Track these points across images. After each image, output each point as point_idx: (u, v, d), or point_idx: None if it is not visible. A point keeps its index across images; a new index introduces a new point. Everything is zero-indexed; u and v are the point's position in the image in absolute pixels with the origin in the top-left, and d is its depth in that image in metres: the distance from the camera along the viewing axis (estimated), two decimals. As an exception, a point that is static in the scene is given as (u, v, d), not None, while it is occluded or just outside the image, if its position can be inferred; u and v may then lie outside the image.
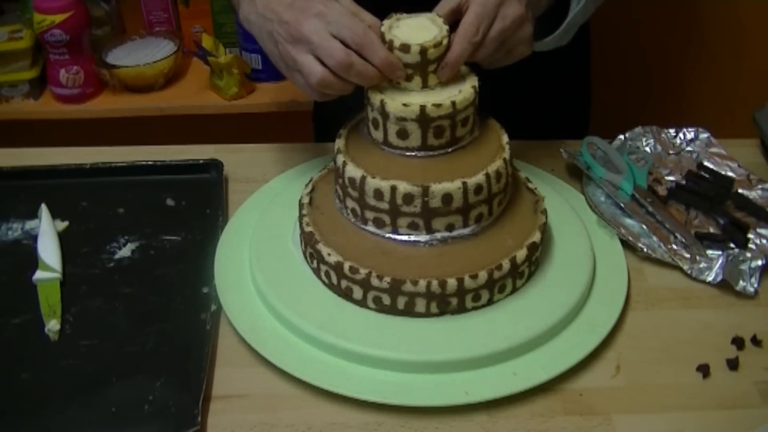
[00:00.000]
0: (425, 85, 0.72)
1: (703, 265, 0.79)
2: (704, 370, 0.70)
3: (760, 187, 0.89)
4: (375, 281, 0.70)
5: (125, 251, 0.82)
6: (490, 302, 0.73)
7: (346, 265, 0.71)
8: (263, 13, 0.74)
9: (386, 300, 0.71)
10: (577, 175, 0.91)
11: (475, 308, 0.72)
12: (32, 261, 0.80)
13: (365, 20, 0.71)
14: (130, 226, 0.85)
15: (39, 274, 0.78)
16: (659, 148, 0.95)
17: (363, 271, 0.70)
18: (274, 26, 0.73)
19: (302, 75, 0.72)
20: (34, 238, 0.83)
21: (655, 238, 0.82)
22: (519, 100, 0.93)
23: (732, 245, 0.82)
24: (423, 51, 0.70)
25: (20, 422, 0.66)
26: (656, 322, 0.75)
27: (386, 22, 0.72)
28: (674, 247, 0.81)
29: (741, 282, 0.77)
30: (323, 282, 0.75)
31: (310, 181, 0.81)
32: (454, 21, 0.72)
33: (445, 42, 0.71)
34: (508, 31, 0.72)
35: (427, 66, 0.71)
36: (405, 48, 0.70)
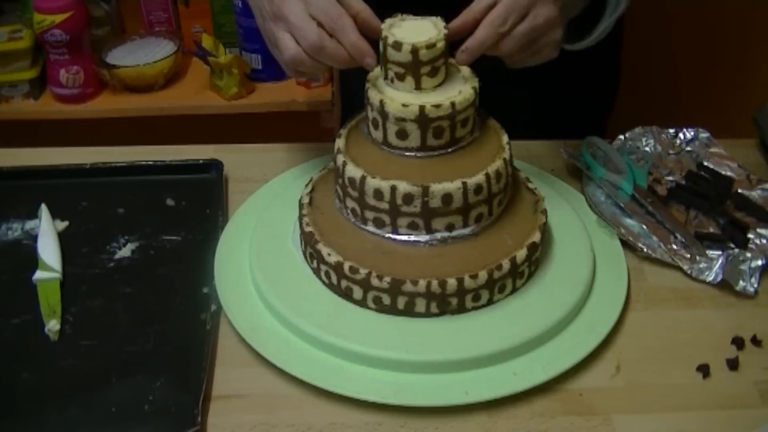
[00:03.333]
0: (418, 87, 0.72)
1: (703, 265, 0.79)
2: (704, 370, 0.70)
3: (760, 187, 0.89)
4: (375, 281, 0.70)
5: (125, 251, 0.82)
6: (490, 302, 0.73)
7: (346, 265, 0.71)
8: None
9: (386, 300, 0.71)
10: (577, 175, 0.91)
11: (475, 308, 0.72)
12: (32, 261, 0.80)
13: (353, 7, 0.71)
14: (130, 226, 0.85)
15: (39, 274, 0.78)
16: (659, 148, 0.95)
17: (363, 271, 0.70)
18: (264, 3, 0.74)
19: (278, 50, 0.74)
20: (34, 238, 0.83)
21: (655, 238, 0.82)
22: (532, 98, 0.93)
23: (732, 245, 0.82)
24: (414, 51, 0.70)
25: (20, 422, 0.66)
26: (656, 322, 0.75)
27: (388, 21, 0.72)
28: (674, 247, 0.81)
29: (741, 282, 0.77)
30: (323, 282, 0.75)
31: (310, 181, 0.81)
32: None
33: (439, 45, 0.71)
34: (539, 30, 0.72)
35: (420, 67, 0.71)
36: (397, 46, 0.70)
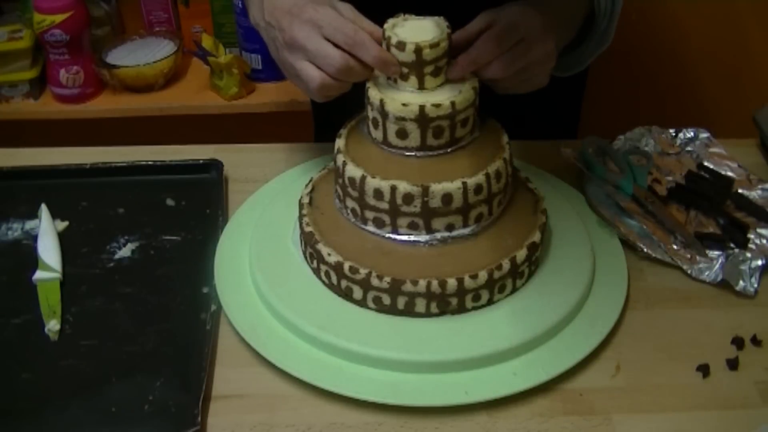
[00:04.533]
0: (421, 87, 0.72)
1: (703, 265, 0.79)
2: (704, 370, 0.70)
3: (760, 187, 0.89)
4: (375, 281, 0.70)
5: (125, 251, 0.82)
6: (490, 302, 0.73)
7: (346, 265, 0.71)
8: (269, 21, 0.75)
9: (386, 300, 0.71)
10: (577, 175, 0.91)
11: (475, 308, 0.72)
12: (32, 261, 0.80)
13: (364, 27, 0.71)
14: (130, 226, 0.85)
15: (39, 274, 0.78)
16: (659, 148, 0.95)
17: (363, 271, 0.70)
18: (276, 33, 0.74)
19: (302, 81, 0.73)
20: (34, 238, 0.83)
21: (655, 238, 0.82)
22: (514, 101, 0.94)
23: (732, 245, 0.82)
24: (418, 50, 0.70)
25: (20, 422, 0.66)
26: (656, 322, 0.75)
27: (391, 21, 0.72)
28: (674, 247, 0.81)
29: (741, 282, 0.77)
30: (323, 282, 0.75)
31: (310, 181, 0.81)
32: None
33: (443, 44, 0.71)
34: (532, 58, 0.73)
35: (423, 66, 0.71)
36: (401, 46, 0.70)
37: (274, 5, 0.74)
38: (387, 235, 0.73)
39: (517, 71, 0.73)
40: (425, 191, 0.70)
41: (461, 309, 0.71)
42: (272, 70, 1.55)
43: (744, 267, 0.78)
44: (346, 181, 0.73)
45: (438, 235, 0.73)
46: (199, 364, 0.68)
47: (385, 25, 0.72)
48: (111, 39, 1.60)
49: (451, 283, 0.69)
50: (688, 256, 0.80)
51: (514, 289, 0.74)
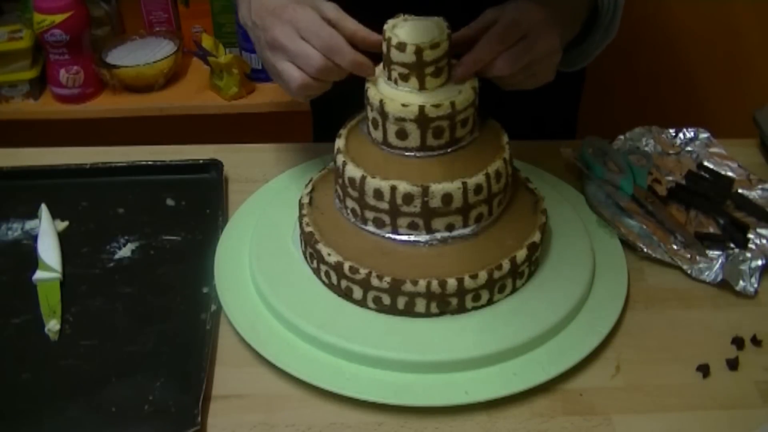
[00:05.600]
0: (422, 87, 0.72)
1: (703, 265, 0.79)
2: (704, 370, 0.70)
3: (760, 187, 0.89)
4: (375, 281, 0.70)
5: (125, 251, 0.82)
6: (490, 302, 0.73)
7: (346, 265, 0.71)
8: (254, 20, 0.75)
9: (386, 300, 0.71)
10: (577, 175, 0.91)
11: (475, 308, 0.72)
12: (32, 261, 0.80)
13: (348, 27, 0.71)
14: (130, 226, 0.85)
15: (39, 274, 0.78)
16: (659, 148, 0.95)
17: (363, 271, 0.70)
18: (259, 32, 0.74)
19: (283, 81, 0.73)
20: (34, 238, 0.83)
21: (655, 238, 0.82)
22: (514, 101, 0.94)
23: (732, 245, 0.82)
24: (418, 51, 0.70)
25: (20, 422, 0.66)
26: (656, 322, 0.75)
27: (391, 21, 0.72)
28: (674, 247, 0.81)
29: (741, 282, 0.77)
30: (323, 282, 0.75)
31: (310, 181, 0.81)
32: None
33: (443, 45, 0.71)
34: (536, 53, 0.73)
35: (424, 67, 0.71)
36: (401, 47, 0.70)
37: (261, 4, 0.75)
38: (387, 235, 0.73)
39: (522, 67, 0.73)
40: (425, 191, 0.70)
41: (461, 309, 0.71)
42: (272, 71, 1.55)
43: (744, 267, 0.78)
44: (346, 181, 0.73)
45: (438, 235, 0.73)
46: (199, 364, 0.68)
47: (385, 26, 0.72)
48: (111, 39, 1.60)
49: (451, 283, 0.69)
50: (688, 256, 0.80)
51: (514, 289, 0.74)
